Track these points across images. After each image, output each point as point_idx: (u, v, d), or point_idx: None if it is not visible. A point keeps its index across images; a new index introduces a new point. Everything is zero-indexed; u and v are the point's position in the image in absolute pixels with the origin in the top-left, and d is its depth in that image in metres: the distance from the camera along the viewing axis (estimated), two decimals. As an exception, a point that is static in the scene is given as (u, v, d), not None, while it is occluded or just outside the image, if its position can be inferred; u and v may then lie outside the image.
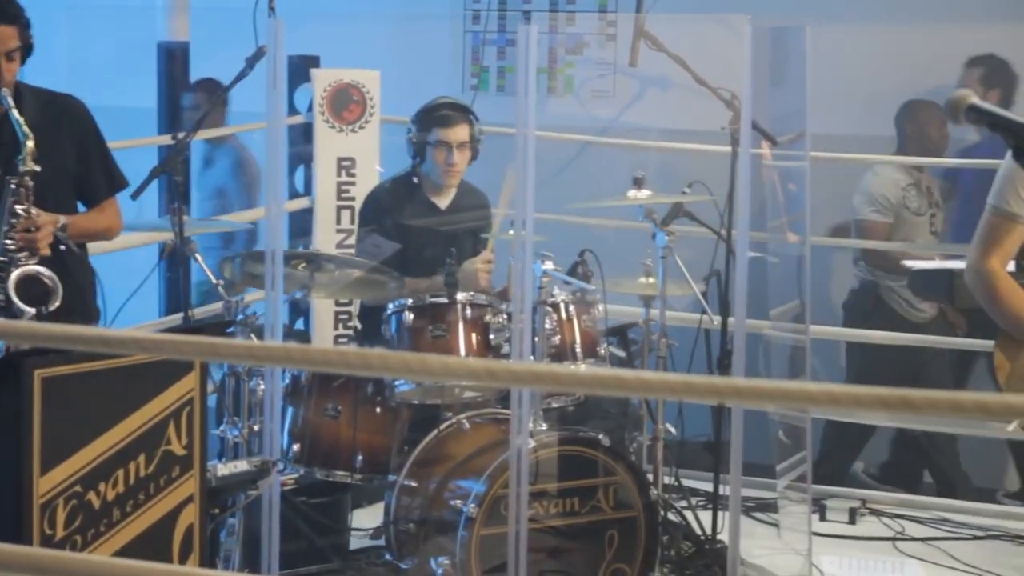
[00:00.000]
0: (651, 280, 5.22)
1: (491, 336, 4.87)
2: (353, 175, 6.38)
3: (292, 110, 6.58)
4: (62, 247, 4.25)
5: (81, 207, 4.53)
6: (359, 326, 5.85)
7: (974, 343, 6.07)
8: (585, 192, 5.83)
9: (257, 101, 4.56)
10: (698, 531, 5.29)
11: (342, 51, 6.90)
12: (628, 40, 6.63)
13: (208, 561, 3.87)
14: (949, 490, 6.31)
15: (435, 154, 5.45)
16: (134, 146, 6.48)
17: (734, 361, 4.36)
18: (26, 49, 4.25)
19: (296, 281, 4.98)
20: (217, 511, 4.18)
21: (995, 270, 3.96)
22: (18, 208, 4.10)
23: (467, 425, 4.91)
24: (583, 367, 4.89)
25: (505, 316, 4.87)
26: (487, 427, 4.94)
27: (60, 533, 3.33)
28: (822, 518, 5.92)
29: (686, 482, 5.74)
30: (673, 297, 5.24)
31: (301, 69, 6.55)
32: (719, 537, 5.22)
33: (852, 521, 5.93)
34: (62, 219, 4.22)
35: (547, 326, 4.80)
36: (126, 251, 5.71)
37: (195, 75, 6.93)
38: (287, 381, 4.96)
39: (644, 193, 5.07)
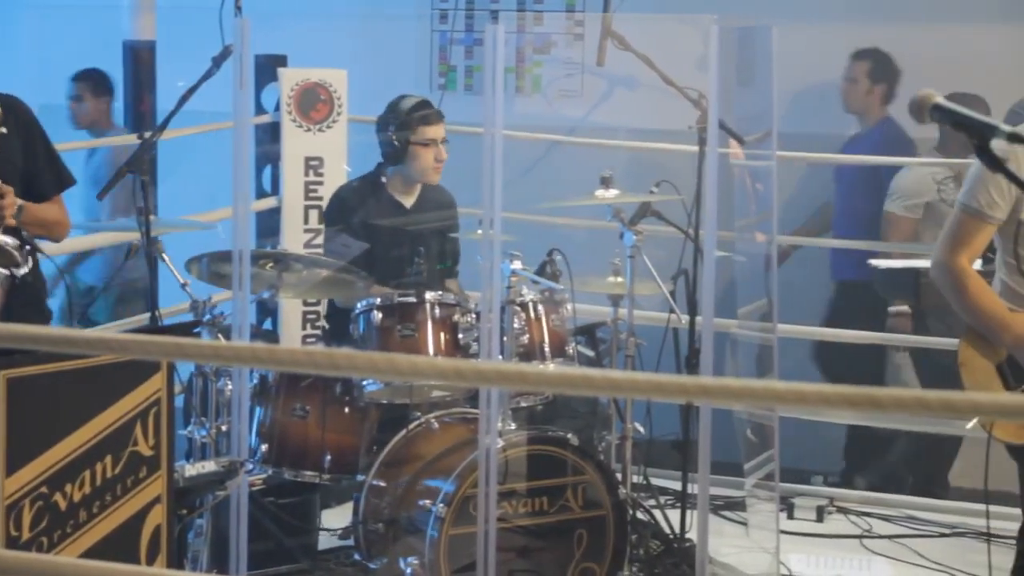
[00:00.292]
0: (619, 279, 5.23)
1: (460, 335, 4.87)
2: (321, 175, 6.37)
3: (259, 109, 6.56)
4: (24, 235, 4.23)
5: None
6: (327, 326, 5.84)
7: (939, 341, 6.10)
8: (553, 191, 5.83)
9: (224, 100, 4.54)
10: (667, 530, 5.31)
11: (309, 50, 6.88)
12: (596, 40, 6.65)
13: (176, 562, 3.85)
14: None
15: (423, 153, 5.44)
16: (99, 145, 6.47)
17: (702, 360, 4.36)
18: None
19: (264, 281, 4.96)
20: (185, 512, 4.16)
21: (964, 267, 3.99)
22: None
23: (436, 425, 4.91)
24: (551, 366, 4.90)
25: (474, 315, 4.87)
26: (456, 427, 4.93)
27: (26, 535, 3.31)
28: (790, 516, 5.94)
29: (655, 481, 5.76)
30: (641, 296, 5.25)
31: (268, 68, 6.54)
32: (688, 536, 5.24)
33: (820, 519, 5.95)
34: (19, 201, 4.19)
35: (516, 325, 4.80)
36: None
37: (162, 75, 6.91)
38: (255, 381, 4.95)
39: (612, 192, 5.07)
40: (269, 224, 6.47)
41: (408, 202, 5.58)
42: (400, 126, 5.44)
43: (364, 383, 4.90)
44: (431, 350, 4.89)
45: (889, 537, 5.77)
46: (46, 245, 4.48)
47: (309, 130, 6.36)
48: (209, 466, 4.20)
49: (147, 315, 5.03)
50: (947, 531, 5.82)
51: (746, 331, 5.47)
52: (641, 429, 5.26)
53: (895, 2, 6.83)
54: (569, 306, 5.08)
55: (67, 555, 3.36)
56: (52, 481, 3.36)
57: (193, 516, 4.43)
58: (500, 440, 4.47)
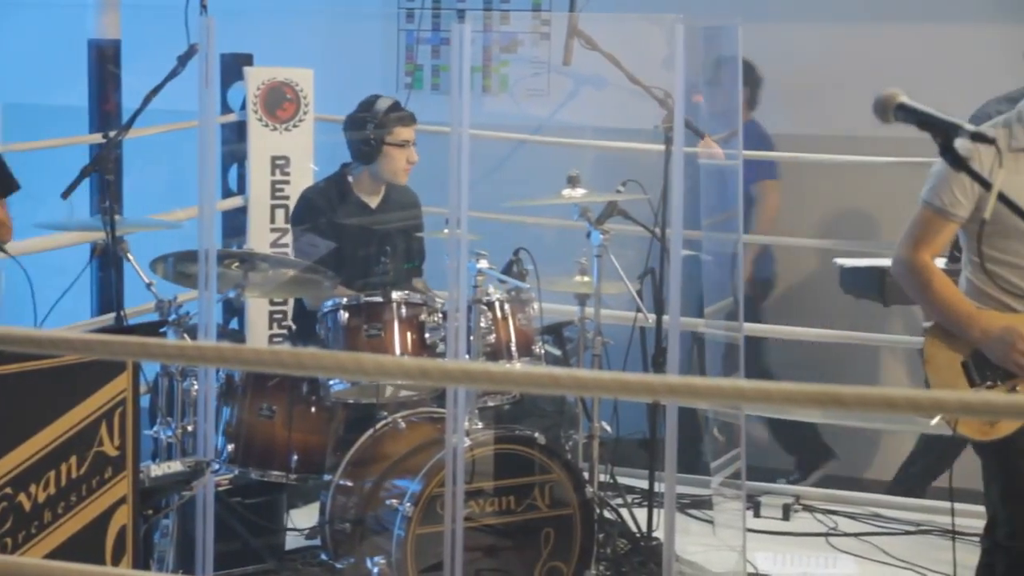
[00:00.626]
0: (586, 278, 5.23)
1: (426, 335, 4.86)
2: (287, 174, 6.36)
3: (225, 108, 6.54)
4: None
5: None
6: (293, 325, 5.83)
7: (902, 339, 6.14)
8: (520, 191, 5.84)
9: (189, 99, 4.53)
10: (633, 528, 5.32)
11: (275, 49, 6.86)
12: (562, 39, 6.65)
13: (142, 563, 3.84)
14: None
15: (396, 154, 5.44)
16: (64, 145, 6.43)
17: (668, 359, 4.37)
18: None
19: (230, 280, 4.95)
20: (151, 512, 4.15)
21: (927, 263, 4.01)
22: None
23: (403, 424, 4.91)
24: (518, 365, 4.90)
25: (440, 315, 4.86)
26: (423, 426, 4.93)
27: (-10, 536, 3.29)
28: (756, 514, 5.96)
29: (621, 480, 5.77)
30: (608, 295, 5.26)
31: (234, 67, 6.52)
32: (654, 534, 5.25)
33: (786, 517, 5.98)
34: None
35: (482, 325, 4.80)
36: (57, 251, 5.66)
37: (126, 73, 6.88)
38: (221, 381, 4.93)
39: (579, 192, 5.08)
40: (235, 223, 6.45)
41: (374, 202, 5.58)
42: (376, 126, 5.43)
43: (331, 382, 4.89)
44: (398, 350, 4.89)
45: (855, 535, 5.79)
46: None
47: (275, 129, 6.35)
48: (175, 466, 4.19)
49: (112, 315, 5.01)
50: (912, 529, 5.85)
51: (713, 330, 5.48)
52: (608, 428, 5.27)
53: (860, 1, 6.86)
54: (536, 305, 5.08)
55: (32, 556, 3.34)
56: (16, 482, 3.34)
57: (159, 516, 4.42)
58: (467, 439, 4.47)
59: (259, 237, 6.27)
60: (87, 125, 6.78)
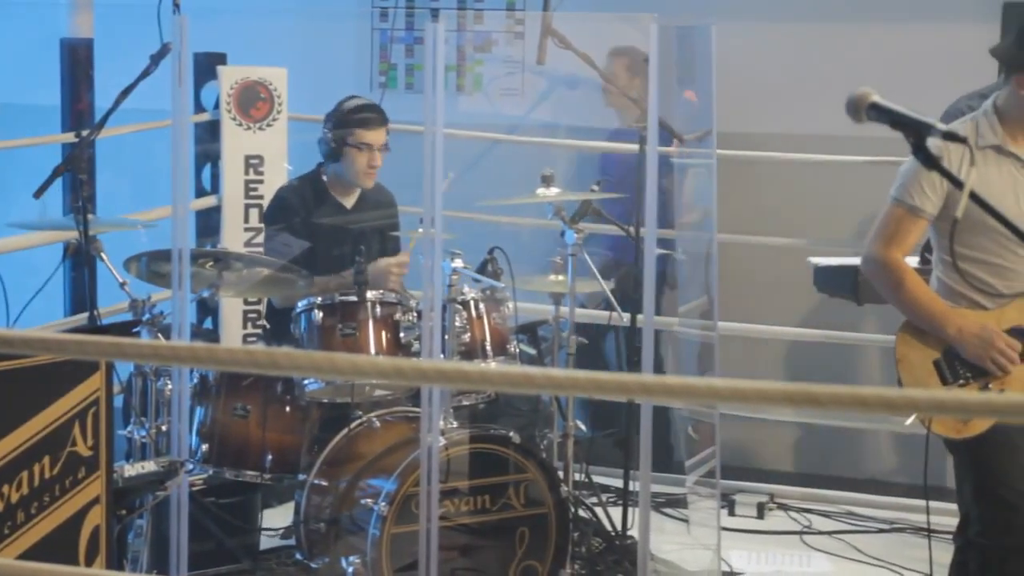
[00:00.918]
0: (560, 278, 5.24)
1: (401, 334, 4.86)
2: (261, 173, 6.34)
3: (199, 107, 6.52)
4: None
5: None
6: (268, 325, 5.82)
7: (876, 338, 6.15)
8: (494, 190, 5.84)
9: (163, 98, 4.51)
10: (608, 527, 5.33)
11: (249, 48, 6.85)
12: (536, 38, 6.65)
13: (115, 563, 3.82)
14: None
15: (356, 156, 5.42)
16: (37, 144, 6.40)
17: (643, 358, 4.38)
18: None
19: (204, 280, 4.93)
20: (124, 512, 4.13)
21: (900, 262, 4.03)
22: None
23: (377, 423, 4.90)
24: (493, 365, 4.90)
25: (415, 314, 4.86)
26: (398, 425, 4.93)
27: (-37, 537, 3.28)
28: (731, 513, 5.98)
29: (596, 478, 5.77)
30: (583, 294, 5.27)
31: (207, 66, 6.50)
32: (629, 533, 5.26)
33: (760, 515, 5.99)
34: None
35: (457, 324, 4.80)
36: (30, 250, 5.63)
37: (99, 72, 6.86)
38: (195, 381, 4.92)
39: (553, 191, 5.08)
40: (209, 223, 6.43)
41: (349, 201, 5.57)
42: (337, 125, 5.42)
43: (305, 382, 4.88)
44: (372, 349, 4.88)
45: (829, 533, 5.81)
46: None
47: (249, 128, 6.33)
48: (149, 466, 4.17)
49: (86, 315, 4.99)
50: (886, 527, 5.88)
51: (687, 329, 5.49)
52: (583, 427, 5.28)
53: (832, 1, 6.89)
54: (510, 304, 5.08)
55: (4, 557, 3.33)
56: (-11, 483, 3.33)
57: (133, 517, 4.40)
58: (442, 439, 4.47)
59: (233, 236, 6.25)
60: (59, 124, 6.75)
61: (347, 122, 5.41)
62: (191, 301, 4.81)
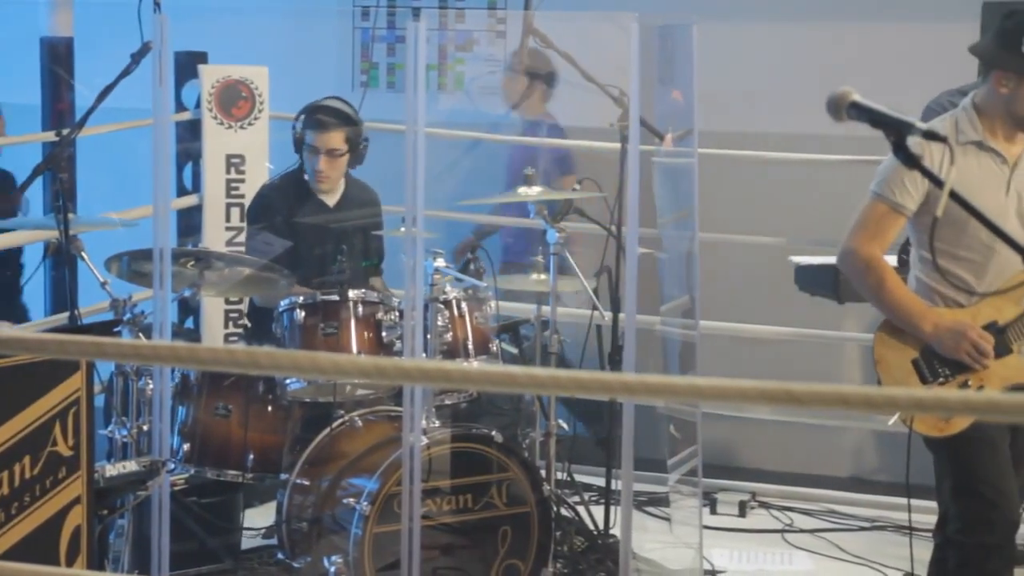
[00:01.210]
0: (542, 277, 5.24)
1: (383, 333, 4.85)
2: (243, 172, 6.33)
3: (180, 106, 6.51)
4: None
5: None
6: (249, 324, 5.81)
7: (857, 336, 6.17)
8: (476, 189, 5.84)
9: (143, 97, 4.50)
10: (590, 526, 5.33)
11: (230, 47, 6.83)
12: (517, 37, 6.65)
13: (96, 563, 3.81)
14: None
15: (309, 158, 5.42)
16: (17, 143, 6.38)
17: (625, 356, 4.38)
18: None
19: (185, 279, 4.92)
20: (105, 512, 4.12)
21: (880, 259, 4.04)
22: None
23: (360, 423, 4.90)
24: (475, 364, 4.90)
25: (397, 313, 4.86)
26: (380, 424, 4.92)
27: (-57, 538, 3.27)
28: (713, 511, 5.99)
29: (579, 477, 5.78)
30: (564, 293, 5.27)
31: (188, 65, 6.48)
32: (611, 531, 5.27)
33: (742, 514, 6.00)
34: None
35: (439, 323, 4.79)
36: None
37: (79, 71, 6.84)
38: (176, 380, 4.91)
39: (535, 190, 5.08)
40: (190, 222, 6.42)
41: (331, 200, 5.56)
42: (300, 126, 5.40)
43: (287, 381, 4.87)
44: (354, 348, 4.88)
45: (811, 531, 5.83)
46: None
47: (230, 127, 6.32)
48: (130, 466, 4.16)
49: (66, 314, 4.98)
50: (868, 525, 5.89)
51: (669, 328, 5.50)
52: (565, 426, 5.28)
53: (813, 1, 6.90)
54: (492, 303, 5.08)
55: (-15, 558, 3.32)
56: (-31, 483, 3.31)
57: (114, 516, 4.39)
58: (424, 438, 4.47)
59: (214, 236, 6.24)
60: (40, 123, 6.74)
61: (304, 122, 5.39)
62: (172, 300, 4.80)
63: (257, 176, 6.24)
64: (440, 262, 4.83)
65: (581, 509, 5.40)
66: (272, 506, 5.03)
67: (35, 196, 6.13)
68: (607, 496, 5.33)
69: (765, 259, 6.44)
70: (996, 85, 3.98)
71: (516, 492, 4.68)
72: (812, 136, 6.07)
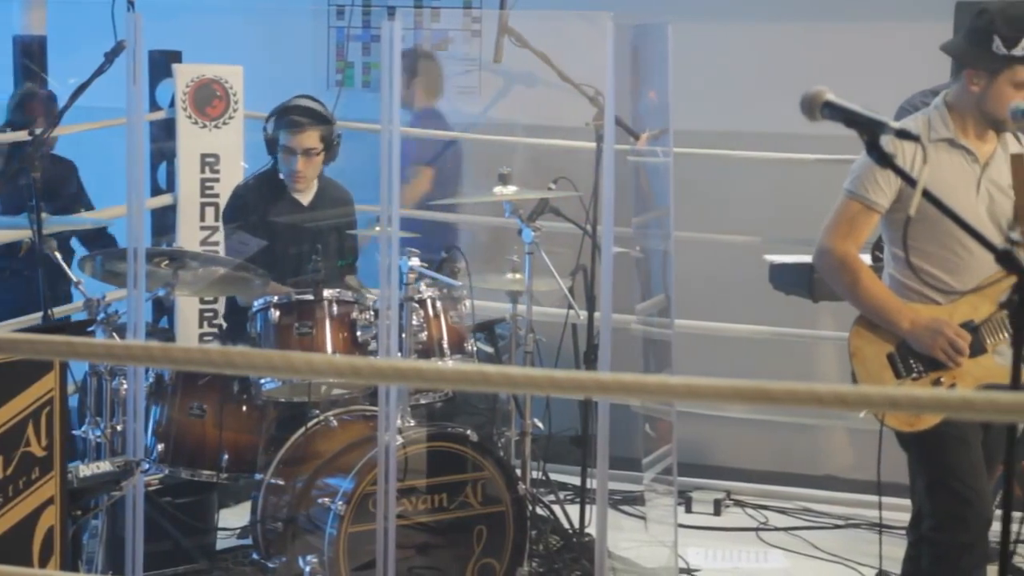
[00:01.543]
0: (518, 276, 5.24)
1: (358, 333, 4.85)
2: (217, 172, 6.32)
3: (154, 106, 6.49)
4: None
5: None
6: (224, 324, 5.79)
7: (832, 335, 6.18)
8: (451, 188, 5.83)
9: (117, 96, 4.49)
10: (566, 525, 5.33)
11: (204, 46, 6.81)
12: (493, 36, 6.65)
13: (70, 564, 3.80)
14: None
15: (284, 158, 5.41)
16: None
17: (600, 355, 4.39)
18: None
19: (159, 279, 4.91)
20: (79, 513, 4.11)
21: (856, 257, 4.06)
22: None
23: (335, 422, 4.89)
24: (450, 363, 4.90)
25: (372, 312, 4.85)
26: (355, 424, 4.92)
27: (-85, 539, 3.25)
28: (688, 510, 6.00)
29: (554, 476, 5.78)
30: (540, 292, 5.27)
31: (162, 64, 6.47)
32: (587, 530, 5.27)
33: (717, 512, 6.02)
34: None
35: (414, 322, 4.79)
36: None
37: (53, 69, 6.82)
38: (151, 380, 4.89)
39: (510, 189, 5.08)
40: (164, 222, 6.40)
41: (305, 199, 5.55)
42: (272, 126, 5.39)
43: (262, 381, 4.87)
44: (329, 348, 4.87)
45: (785, 529, 5.84)
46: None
47: (205, 127, 6.30)
48: (104, 466, 4.15)
49: (39, 314, 4.96)
50: (841, 523, 5.91)
51: (644, 326, 5.51)
52: (540, 425, 5.28)
53: (789, 1, 6.92)
54: (468, 303, 5.08)
55: (-43, 559, 3.30)
56: (-58, 484, 3.30)
57: (88, 517, 4.38)
58: (399, 437, 4.47)
59: (189, 235, 6.22)
60: (13, 122, 6.71)
61: (277, 123, 5.38)
62: (146, 300, 4.79)
63: (232, 175, 6.22)
64: (415, 261, 4.82)
65: (556, 508, 5.40)
66: (247, 506, 5.02)
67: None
68: (582, 495, 5.34)
69: (740, 258, 6.46)
70: (968, 83, 4.01)
71: (491, 491, 4.68)
72: (786, 135, 6.08)
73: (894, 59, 6.56)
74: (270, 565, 4.75)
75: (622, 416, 5.42)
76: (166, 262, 4.90)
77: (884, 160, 2.83)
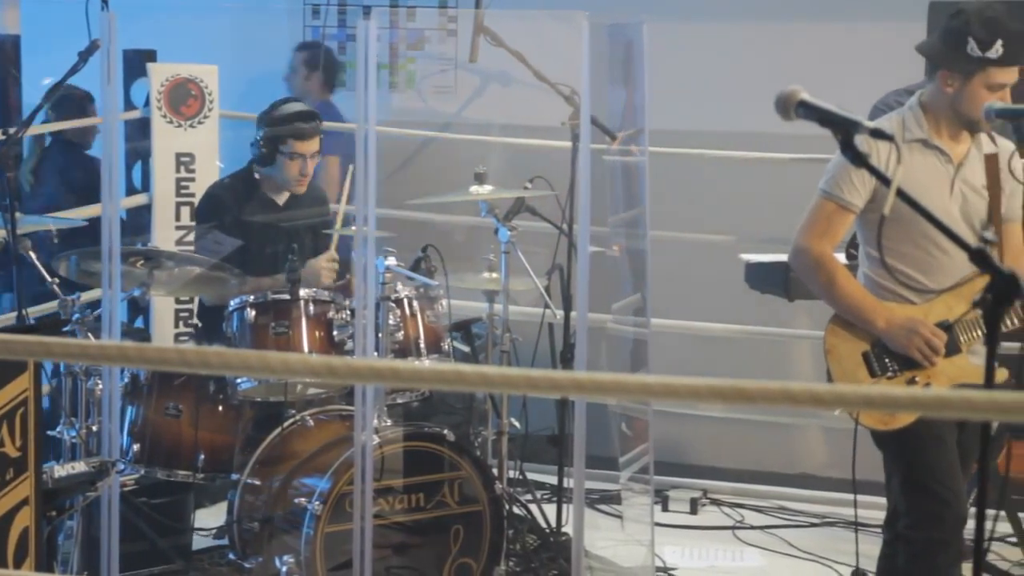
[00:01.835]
0: (494, 275, 5.24)
1: (334, 332, 4.84)
2: (192, 171, 6.30)
3: (129, 105, 6.47)
4: None
5: None
6: (200, 324, 5.78)
7: (807, 333, 6.20)
8: (427, 187, 5.83)
9: (92, 96, 4.47)
10: (543, 524, 5.33)
11: (179, 45, 6.79)
12: (468, 36, 6.65)
13: (45, 565, 3.78)
14: None
15: (288, 164, 5.38)
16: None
17: (576, 355, 4.39)
18: None
19: (135, 279, 4.89)
20: (54, 513, 4.09)
21: (831, 256, 4.08)
22: None
23: (311, 422, 4.88)
24: (426, 363, 4.90)
25: (348, 312, 4.85)
26: (331, 424, 4.91)
27: None
28: (664, 509, 6.01)
29: (531, 476, 5.78)
30: (516, 292, 5.27)
31: (137, 63, 6.44)
32: (564, 529, 5.27)
33: (693, 511, 6.03)
34: None
35: (391, 322, 4.79)
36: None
37: (27, 69, 6.79)
38: (126, 380, 4.88)
39: (486, 188, 5.08)
40: (139, 221, 6.38)
41: (281, 199, 5.54)
42: (271, 133, 5.38)
43: (238, 381, 4.86)
44: (305, 347, 4.86)
45: (761, 528, 5.86)
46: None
47: (180, 126, 6.29)
48: (79, 467, 4.14)
49: (14, 314, 4.94)
50: (817, 521, 5.93)
51: (620, 326, 5.51)
52: (517, 424, 5.28)
53: (764, 0, 6.93)
54: (444, 302, 5.08)
55: (-68, 560, 3.29)
56: (-85, 485, 3.28)
57: (63, 518, 4.36)
58: (376, 437, 4.46)
59: (164, 235, 6.20)
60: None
61: (280, 130, 5.37)
62: (122, 300, 4.78)
63: (207, 175, 6.21)
64: (391, 260, 4.82)
65: (533, 507, 5.40)
66: (223, 506, 5.01)
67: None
68: (559, 494, 5.34)
69: (715, 257, 6.47)
70: (942, 84, 4.02)
71: (468, 491, 4.68)
72: (762, 135, 6.09)
73: (868, 58, 6.58)
74: (246, 565, 4.74)
75: (599, 415, 5.43)
76: (141, 262, 4.89)
77: (858, 159, 2.84)
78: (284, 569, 4.51)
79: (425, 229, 6.42)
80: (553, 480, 5.50)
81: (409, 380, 1.88)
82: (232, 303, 4.92)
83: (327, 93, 7.13)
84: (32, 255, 4.75)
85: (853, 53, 6.68)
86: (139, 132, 6.40)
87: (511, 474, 5.35)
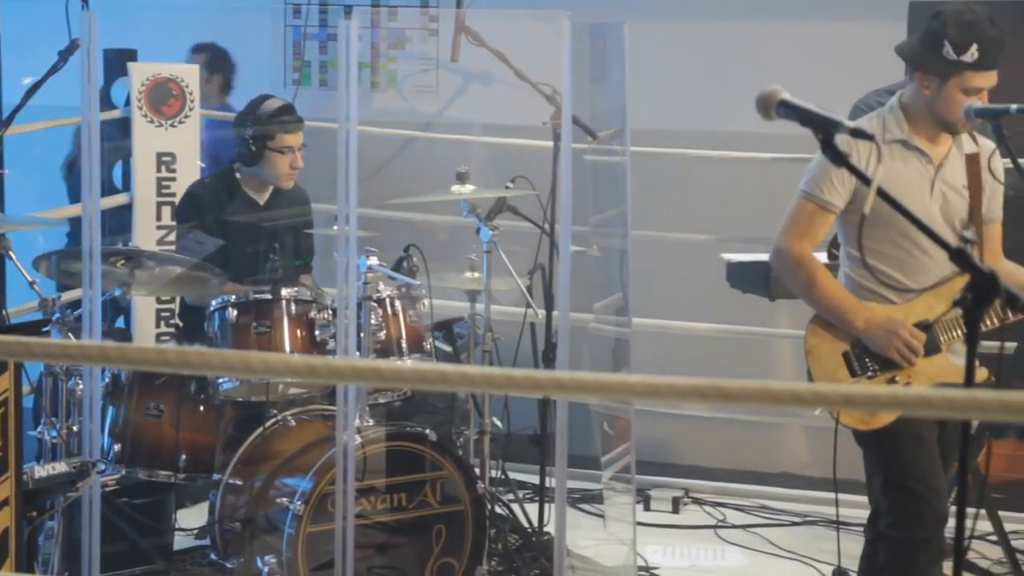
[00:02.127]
0: (476, 275, 5.24)
1: (316, 332, 4.84)
2: (173, 170, 6.28)
3: (109, 104, 6.45)
4: None
5: None
6: (181, 324, 5.77)
7: (788, 332, 6.21)
8: (409, 187, 5.83)
9: (72, 95, 4.46)
10: (525, 523, 5.34)
11: (160, 44, 6.78)
12: (450, 35, 6.65)
13: (25, 566, 3.77)
14: None
15: (278, 159, 5.38)
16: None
17: (558, 354, 4.39)
18: None
19: (115, 279, 4.88)
20: (35, 514, 4.08)
21: (811, 256, 4.08)
22: None
23: (293, 422, 4.88)
24: (408, 362, 4.90)
25: (330, 312, 4.84)
26: (313, 424, 4.90)
27: None
28: (646, 508, 6.02)
29: (513, 475, 5.78)
30: (498, 291, 5.27)
31: (118, 63, 6.42)
32: (546, 529, 5.28)
33: (675, 510, 6.04)
34: None
35: (373, 322, 4.79)
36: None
37: (6, 68, 6.77)
38: (107, 380, 4.86)
39: (468, 188, 5.08)
40: (120, 221, 6.36)
41: (262, 199, 5.53)
42: (258, 130, 5.37)
43: (220, 381, 4.85)
44: (287, 347, 4.86)
45: (743, 527, 5.87)
46: None
47: (160, 125, 6.27)
48: (60, 467, 4.12)
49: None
50: (798, 520, 5.94)
51: (602, 325, 5.52)
52: (499, 424, 5.28)
53: (745, 0, 6.95)
54: (426, 302, 5.07)
55: (-89, 562, 3.28)
56: None
57: (44, 518, 4.35)
58: (358, 437, 4.46)
59: (145, 234, 6.19)
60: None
61: (268, 126, 5.36)
62: (103, 300, 4.76)
63: (188, 174, 6.19)
64: (373, 260, 4.81)
65: (515, 507, 5.41)
66: (205, 506, 5.00)
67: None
68: (541, 493, 5.34)
69: (697, 256, 6.48)
70: (919, 86, 4.03)
71: (450, 490, 4.68)
72: (742, 134, 6.10)
73: (849, 58, 6.59)
74: (228, 565, 4.73)
75: (581, 415, 5.44)
76: (122, 261, 4.88)
77: (839, 159, 2.84)
78: (266, 569, 4.50)
79: (407, 229, 6.42)
80: (535, 479, 5.51)
81: (391, 380, 1.88)
82: (213, 303, 4.91)
83: (225, 96, 7.14)
84: (12, 254, 4.74)
85: (834, 53, 6.69)
86: (120, 132, 6.38)
87: (493, 474, 5.35)
